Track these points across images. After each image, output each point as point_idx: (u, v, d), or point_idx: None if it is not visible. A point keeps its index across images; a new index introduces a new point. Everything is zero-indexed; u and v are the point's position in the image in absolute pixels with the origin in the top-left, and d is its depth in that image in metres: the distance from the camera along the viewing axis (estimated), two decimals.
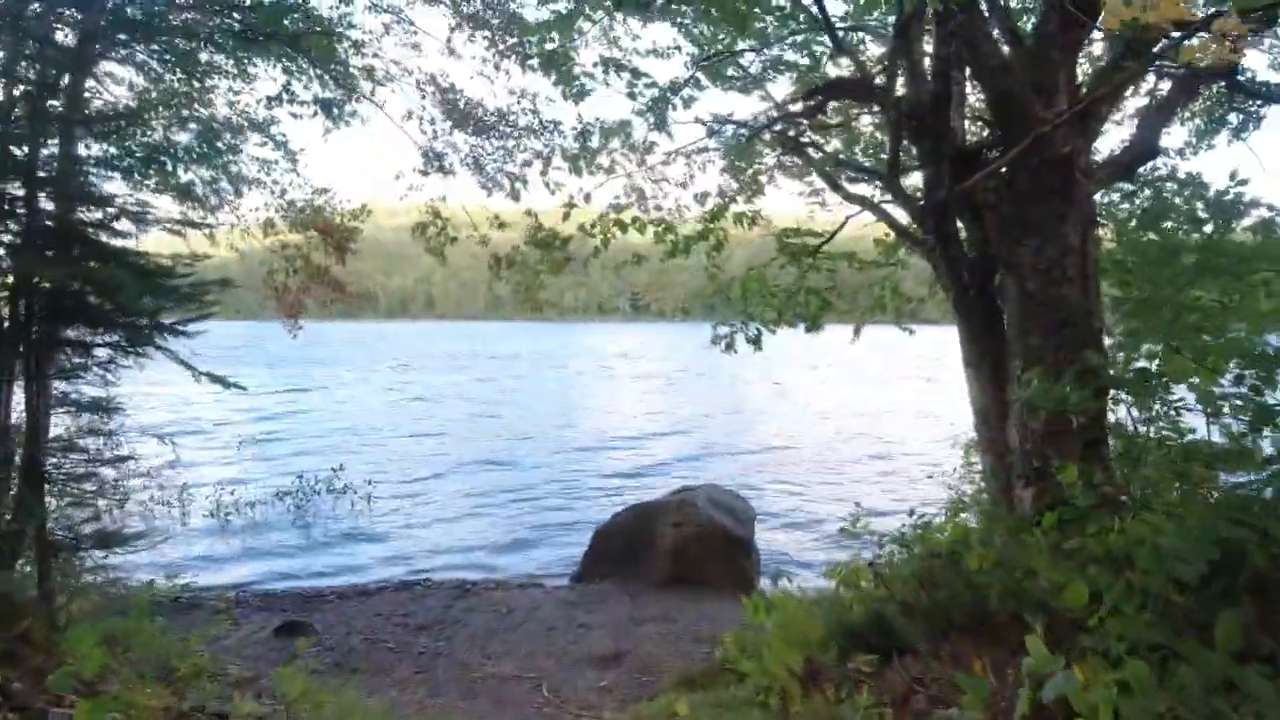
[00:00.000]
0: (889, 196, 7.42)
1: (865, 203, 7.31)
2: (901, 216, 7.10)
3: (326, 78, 9.36)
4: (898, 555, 5.92)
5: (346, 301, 10.69)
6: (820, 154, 7.18)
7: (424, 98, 9.03)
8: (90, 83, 7.35)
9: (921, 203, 5.89)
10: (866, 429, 22.26)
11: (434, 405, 27.58)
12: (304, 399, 28.84)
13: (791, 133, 7.03)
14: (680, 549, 8.22)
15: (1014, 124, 5.04)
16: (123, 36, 5.97)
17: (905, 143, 6.17)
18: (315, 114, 9.75)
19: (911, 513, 6.06)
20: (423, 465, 16.53)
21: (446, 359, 53.44)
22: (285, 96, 9.87)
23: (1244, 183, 4.51)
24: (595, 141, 7.40)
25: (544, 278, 9.05)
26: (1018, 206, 5.07)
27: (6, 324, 4.75)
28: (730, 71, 7.42)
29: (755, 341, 7.46)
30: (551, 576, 9.36)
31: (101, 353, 5.11)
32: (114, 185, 8.82)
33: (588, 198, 7.04)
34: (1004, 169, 5.04)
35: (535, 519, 12.18)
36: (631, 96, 6.98)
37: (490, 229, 8.61)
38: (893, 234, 8.33)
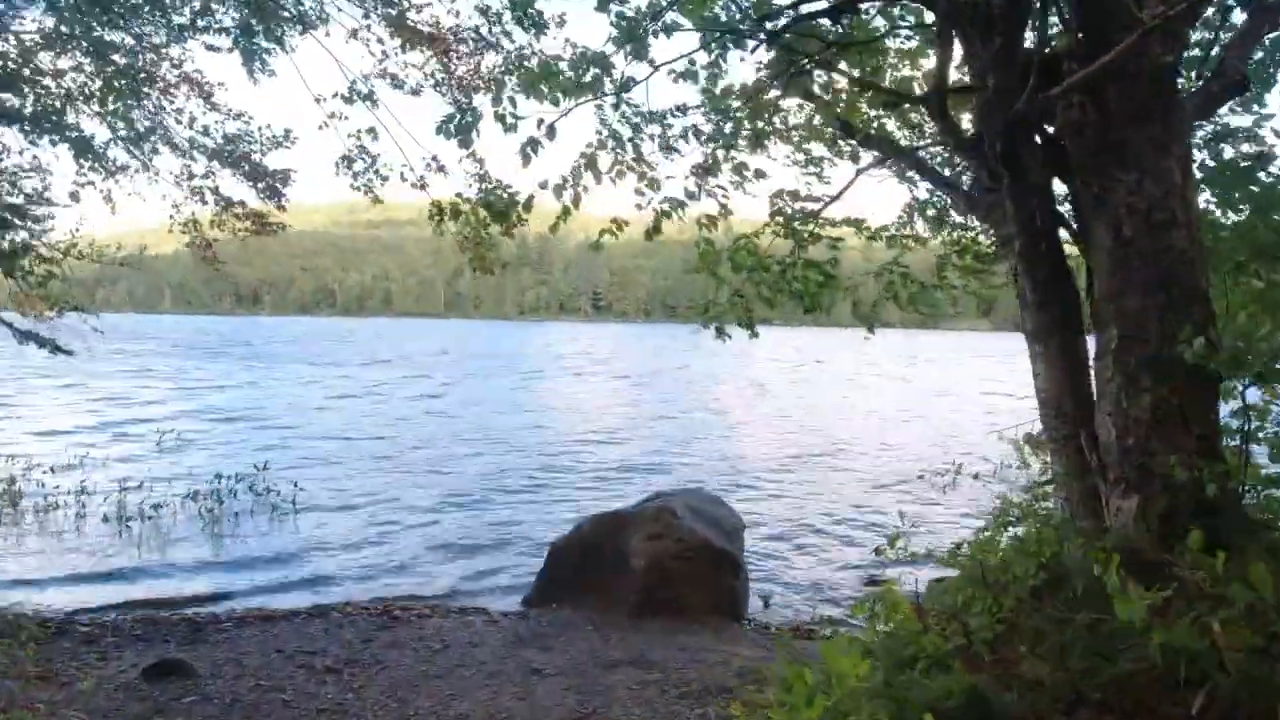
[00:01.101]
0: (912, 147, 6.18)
1: (890, 148, 6.04)
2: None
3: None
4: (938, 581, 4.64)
5: (268, 233, 9.14)
6: (838, 77, 5.80)
7: (367, 16, 7.58)
8: None
9: (976, 134, 4.61)
10: (862, 431, 20.79)
11: (388, 404, 25.63)
12: (254, 397, 26.78)
13: (798, 60, 5.65)
14: (657, 568, 6.78)
15: (1103, 24, 3.83)
16: None
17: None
18: (235, 45, 8.37)
19: (1003, 533, 4.74)
20: (365, 469, 14.75)
21: (417, 357, 51.10)
22: (198, 23, 8.46)
23: None
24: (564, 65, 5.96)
25: (493, 233, 7.68)
26: (1109, 129, 3.86)
27: None
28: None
29: (749, 326, 6.05)
30: (498, 598, 7.85)
31: None
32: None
33: (551, 131, 5.56)
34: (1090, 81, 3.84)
35: (485, 530, 10.54)
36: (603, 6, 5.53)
37: (430, 171, 7.24)
38: (919, 186, 7.12)
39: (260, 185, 9.24)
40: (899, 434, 20.65)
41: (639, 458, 16.67)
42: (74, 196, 9.19)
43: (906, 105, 6.31)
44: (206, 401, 25.19)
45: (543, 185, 5.62)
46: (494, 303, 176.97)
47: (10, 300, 9.37)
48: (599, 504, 11.31)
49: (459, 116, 5.73)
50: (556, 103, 5.68)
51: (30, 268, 9.09)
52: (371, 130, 7.81)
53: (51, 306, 9.43)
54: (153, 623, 7.18)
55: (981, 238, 7.09)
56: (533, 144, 5.55)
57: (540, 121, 5.59)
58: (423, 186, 7.41)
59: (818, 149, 6.87)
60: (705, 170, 6.25)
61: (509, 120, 5.63)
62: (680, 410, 25.49)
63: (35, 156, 9.00)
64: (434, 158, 7.32)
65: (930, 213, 7.35)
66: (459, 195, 7.40)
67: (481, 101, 7.22)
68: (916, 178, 7.17)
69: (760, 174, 6.57)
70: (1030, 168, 4.38)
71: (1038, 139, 4.43)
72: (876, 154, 6.84)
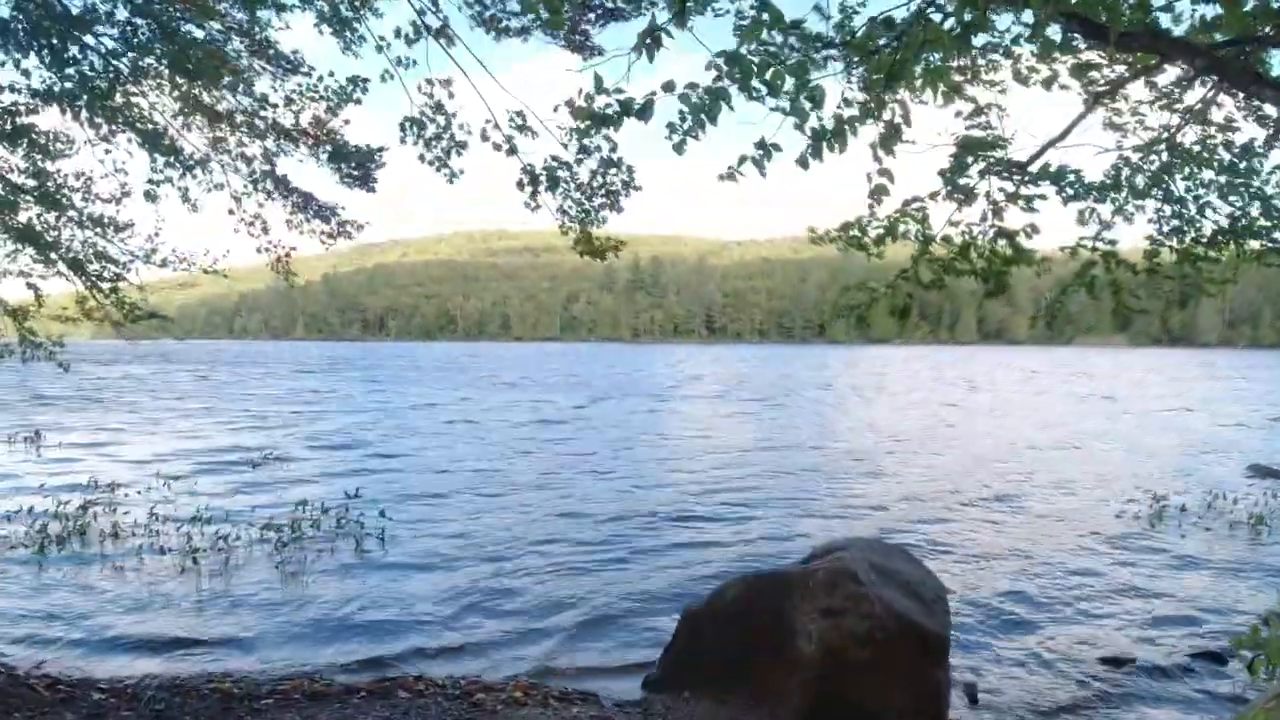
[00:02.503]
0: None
1: (1173, 45, 4.15)
2: None
3: None
4: None
5: (345, 236, 7.76)
6: None
7: None
8: None
9: None
10: (1075, 462, 17.69)
11: (507, 432, 23.43)
12: (368, 422, 25.73)
13: None
14: (836, 655, 4.73)
15: None
16: None
17: None
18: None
19: None
20: (469, 504, 12.76)
21: (551, 381, 49.39)
22: None
23: None
24: None
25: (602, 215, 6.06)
26: None
27: None
28: None
29: (904, 313, 4.63)
30: (613, 679, 5.96)
31: None
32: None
33: (683, 13, 3.74)
34: None
35: (600, 584, 8.37)
36: None
37: (513, 129, 5.56)
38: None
39: (345, 167, 7.91)
40: (1136, 466, 17.49)
41: (798, 493, 13.97)
42: (149, 196, 8.14)
43: None
44: (321, 425, 24.55)
45: (667, 87, 3.77)
46: (608, 326, 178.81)
47: (79, 308, 8.48)
48: (752, 557, 9.32)
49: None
50: None
51: (101, 271, 8.16)
52: (448, 81, 6.21)
53: (125, 315, 8.45)
54: (179, 691, 5.72)
55: (1210, 210, 5.14)
56: (654, 34, 3.74)
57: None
58: (511, 151, 5.74)
59: (984, 96, 5.01)
60: (889, 75, 4.25)
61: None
62: (854, 439, 22.17)
63: (108, 150, 8.02)
64: (519, 114, 5.62)
65: (1148, 175, 5.42)
66: (554, 159, 5.75)
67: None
68: (1146, 118, 5.18)
69: (975, 74, 4.66)
70: None
71: None
72: (1114, 73, 4.91)
